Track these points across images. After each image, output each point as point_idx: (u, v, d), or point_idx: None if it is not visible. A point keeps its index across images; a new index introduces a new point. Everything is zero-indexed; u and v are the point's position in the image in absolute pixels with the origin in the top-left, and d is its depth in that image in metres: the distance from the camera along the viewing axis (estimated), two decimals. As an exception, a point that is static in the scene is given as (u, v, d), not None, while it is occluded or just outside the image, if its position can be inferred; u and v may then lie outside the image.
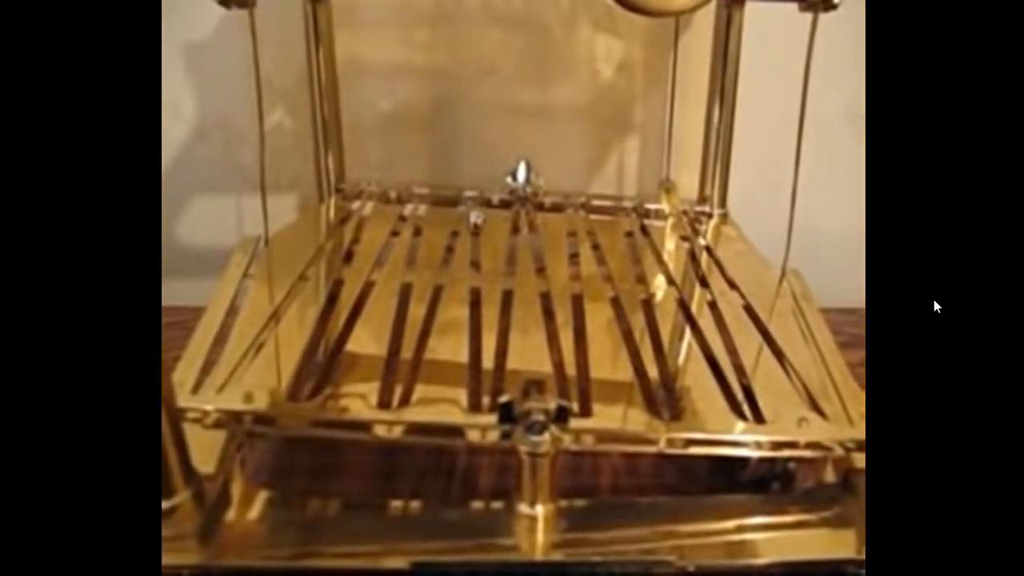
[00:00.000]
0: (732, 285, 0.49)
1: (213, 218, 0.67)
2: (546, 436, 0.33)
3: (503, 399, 0.34)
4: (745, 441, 0.36)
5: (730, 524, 0.35)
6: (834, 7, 0.46)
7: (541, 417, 0.33)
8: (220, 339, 0.41)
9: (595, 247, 0.54)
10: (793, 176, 0.49)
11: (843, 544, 0.35)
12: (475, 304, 0.46)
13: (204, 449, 0.35)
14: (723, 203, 0.59)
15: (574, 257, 0.53)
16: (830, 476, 0.38)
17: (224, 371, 0.38)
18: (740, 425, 0.36)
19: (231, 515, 0.35)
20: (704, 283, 0.49)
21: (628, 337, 0.44)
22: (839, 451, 0.36)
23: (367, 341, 0.42)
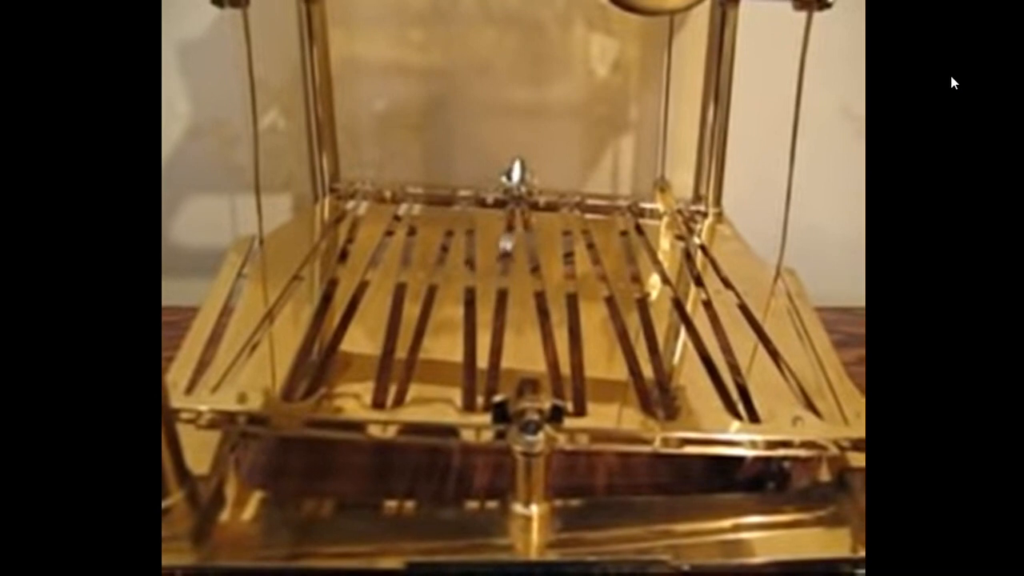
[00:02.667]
0: (727, 284, 0.49)
1: (207, 218, 0.67)
2: (541, 436, 0.33)
3: (497, 399, 0.34)
4: (740, 440, 0.36)
5: (725, 523, 0.35)
6: (828, 5, 0.46)
7: (536, 417, 0.33)
8: (214, 339, 0.41)
9: (590, 246, 0.54)
10: (788, 175, 0.49)
11: (838, 543, 0.35)
12: (470, 303, 0.46)
13: (198, 450, 0.35)
14: (718, 202, 0.59)
15: (569, 256, 0.53)
16: (825, 475, 0.38)
17: (218, 371, 0.38)
18: (735, 424, 0.36)
19: (225, 516, 0.35)
20: (699, 282, 0.49)
21: (623, 336, 0.44)
22: (834, 450, 0.36)
23: (361, 341, 0.42)
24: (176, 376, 0.38)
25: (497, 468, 0.41)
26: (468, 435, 0.36)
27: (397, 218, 0.57)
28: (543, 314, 0.45)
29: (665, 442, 0.36)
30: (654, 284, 0.50)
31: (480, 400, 0.37)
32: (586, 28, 0.63)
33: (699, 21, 0.58)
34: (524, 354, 0.41)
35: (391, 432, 0.36)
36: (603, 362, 0.41)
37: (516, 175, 0.57)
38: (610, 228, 0.57)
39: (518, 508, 0.34)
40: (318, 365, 0.40)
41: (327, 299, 0.46)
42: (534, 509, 0.34)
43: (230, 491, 0.36)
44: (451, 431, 0.36)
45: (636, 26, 0.63)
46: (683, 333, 0.44)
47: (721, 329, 0.44)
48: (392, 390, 0.38)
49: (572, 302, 0.46)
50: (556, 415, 0.34)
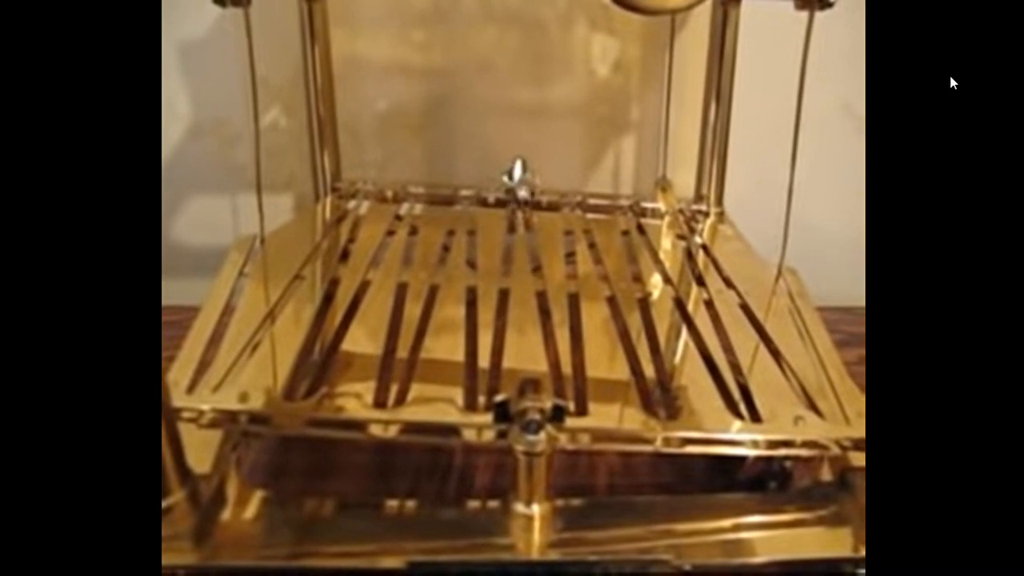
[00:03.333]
0: (728, 283, 0.49)
1: (208, 217, 0.67)
2: (542, 435, 0.33)
3: (499, 398, 0.34)
4: (741, 440, 0.36)
5: (727, 523, 0.35)
6: (829, 5, 0.46)
7: (537, 416, 0.33)
8: (215, 338, 0.41)
9: (591, 246, 0.54)
10: (789, 174, 0.49)
11: (839, 543, 0.35)
12: (471, 303, 0.46)
13: (199, 449, 0.35)
14: (719, 201, 0.59)
15: (570, 256, 0.53)
16: (826, 475, 0.38)
17: (219, 371, 0.38)
18: (736, 424, 0.36)
19: (227, 515, 0.35)
20: (700, 282, 0.49)
21: (624, 336, 0.43)
22: (835, 449, 0.36)
23: (363, 340, 0.42)
24: (177, 375, 0.38)
25: (498, 468, 0.41)
26: (470, 435, 0.36)
27: (398, 218, 0.57)
28: (544, 314, 0.45)
29: (667, 442, 0.36)
30: (655, 284, 0.50)
31: (482, 400, 0.37)
32: (587, 28, 0.63)
33: (700, 21, 0.58)
34: (526, 354, 0.41)
35: (392, 431, 0.36)
36: (605, 362, 0.41)
37: (517, 175, 0.57)
38: (611, 228, 0.57)
39: (519, 508, 0.34)
40: (319, 364, 0.40)
41: (328, 299, 0.46)
42: (535, 509, 0.34)
43: (231, 490, 0.36)
44: (453, 431, 0.36)
45: (638, 26, 0.63)
46: (684, 333, 0.44)
47: (723, 329, 0.44)
48: (393, 389, 0.38)
49: (574, 302, 0.46)
50: (558, 415, 0.34)
